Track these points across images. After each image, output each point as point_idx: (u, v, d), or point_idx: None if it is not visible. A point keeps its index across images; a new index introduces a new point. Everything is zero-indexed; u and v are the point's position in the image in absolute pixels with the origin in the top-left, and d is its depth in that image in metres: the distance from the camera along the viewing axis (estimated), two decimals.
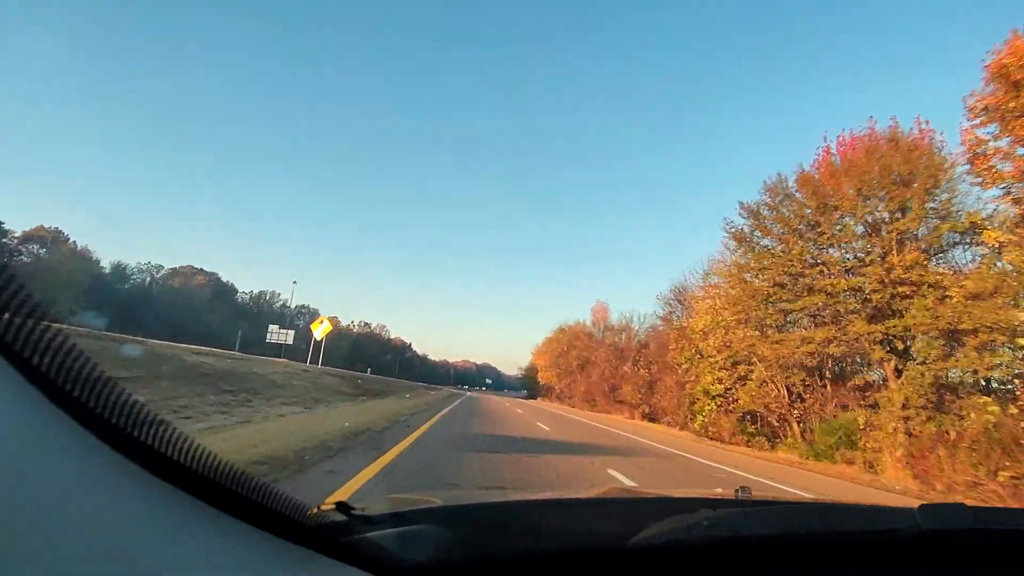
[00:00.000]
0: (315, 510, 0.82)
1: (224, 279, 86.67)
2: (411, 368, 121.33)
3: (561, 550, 0.95)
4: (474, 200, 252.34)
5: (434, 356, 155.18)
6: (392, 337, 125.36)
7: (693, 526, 0.90)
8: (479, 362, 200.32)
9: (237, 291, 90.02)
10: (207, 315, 69.40)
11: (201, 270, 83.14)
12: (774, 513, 1.19)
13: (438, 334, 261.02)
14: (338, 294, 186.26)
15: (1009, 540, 1.04)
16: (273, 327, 56.46)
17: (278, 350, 62.49)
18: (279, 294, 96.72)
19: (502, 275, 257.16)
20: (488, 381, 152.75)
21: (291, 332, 55.11)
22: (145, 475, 0.55)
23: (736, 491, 1.40)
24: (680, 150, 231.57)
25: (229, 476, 0.63)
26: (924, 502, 1.01)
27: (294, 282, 76.35)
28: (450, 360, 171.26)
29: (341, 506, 0.89)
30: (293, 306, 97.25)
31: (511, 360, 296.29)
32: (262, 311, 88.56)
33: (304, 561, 0.72)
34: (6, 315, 0.46)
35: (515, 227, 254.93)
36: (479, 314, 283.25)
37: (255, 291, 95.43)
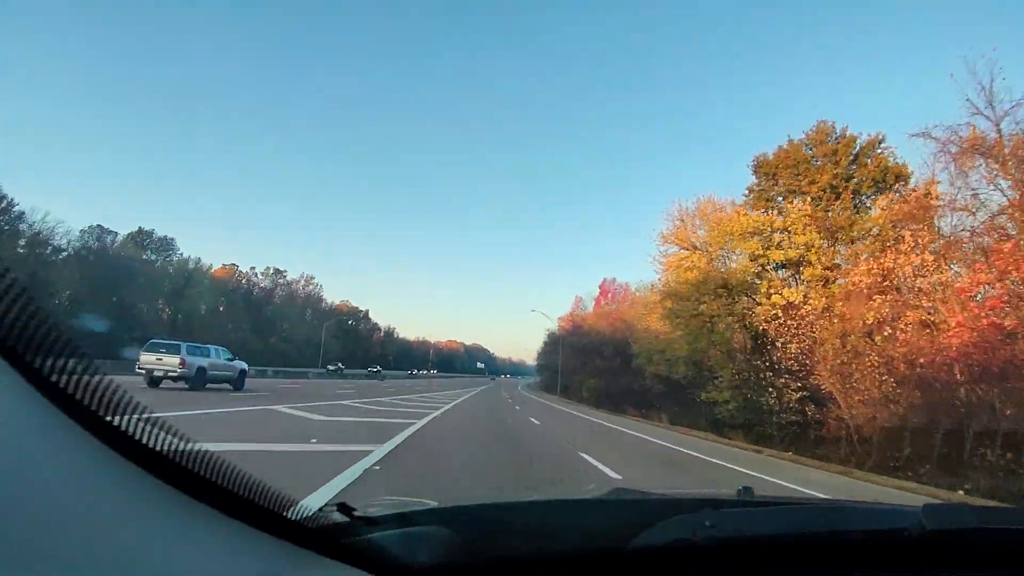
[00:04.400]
0: (317, 511, 0.82)
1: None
2: (368, 345, 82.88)
3: (564, 550, 0.95)
4: (470, 168, 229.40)
5: (408, 334, 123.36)
6: (337, 302, 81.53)
7: (696, 526, 0.90)
8: (468, 343, 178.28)
9: None
10: None
11: None
12: (777, 513, 1.20)
13: (426, 314, 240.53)
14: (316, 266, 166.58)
15: (1014, 540, 1.04)
16: None
17: None
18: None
19: (496, 254, 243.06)
20: (479, 365, 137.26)
21: None
22: (146, 476, 0.55)
23: (739, 491, 1.40)
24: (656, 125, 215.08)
25: (230, 478, 0.63)
26: (928, 502, 1.01)
27: None
28: (431, 339, 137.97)
29: (342, 507, 0.90)
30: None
31: (504, 343, 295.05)
32: None
33: (306, 563, 0.72)
34: (8, 317, 0.46)
35: (516, 200, 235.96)
36: (471, 295, 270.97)
37: None
